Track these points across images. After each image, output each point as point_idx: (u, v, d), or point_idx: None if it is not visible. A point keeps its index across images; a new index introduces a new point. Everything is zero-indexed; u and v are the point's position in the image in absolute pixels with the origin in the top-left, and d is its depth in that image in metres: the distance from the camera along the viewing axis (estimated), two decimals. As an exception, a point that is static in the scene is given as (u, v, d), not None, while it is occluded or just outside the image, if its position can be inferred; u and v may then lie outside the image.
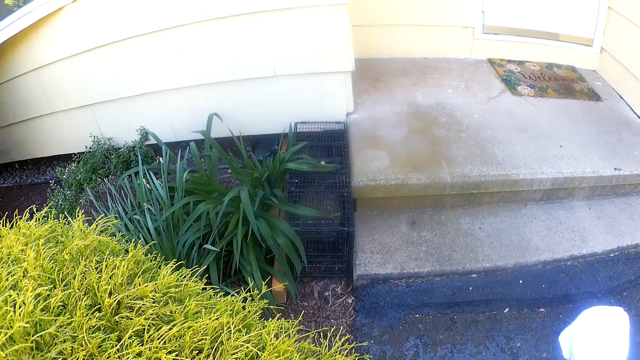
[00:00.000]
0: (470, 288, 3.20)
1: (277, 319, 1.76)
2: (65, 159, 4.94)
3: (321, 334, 2.92)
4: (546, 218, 3.55)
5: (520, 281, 3.20)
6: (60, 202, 4.06)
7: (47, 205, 4.00)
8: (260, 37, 3.79)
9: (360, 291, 3.27)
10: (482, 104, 4.26)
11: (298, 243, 3.17)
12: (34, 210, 2.04)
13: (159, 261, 2.01)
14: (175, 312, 1.59)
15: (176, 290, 1.75)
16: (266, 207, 3.51)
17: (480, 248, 3.35)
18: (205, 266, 3.10)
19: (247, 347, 1.50)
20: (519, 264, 3.26)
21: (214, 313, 1.63)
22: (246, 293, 1.93)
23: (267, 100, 4.17)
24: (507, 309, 3.06)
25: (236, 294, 1.93)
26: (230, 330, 1.55)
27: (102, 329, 1.47)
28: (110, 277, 1.62)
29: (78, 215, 1.97)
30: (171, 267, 1.82)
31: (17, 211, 2.10)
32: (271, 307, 2.98)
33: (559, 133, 3.88)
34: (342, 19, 3.64)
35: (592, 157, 3.64)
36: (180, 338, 1.48)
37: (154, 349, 1.40)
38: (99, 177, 4.16)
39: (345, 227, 3.23)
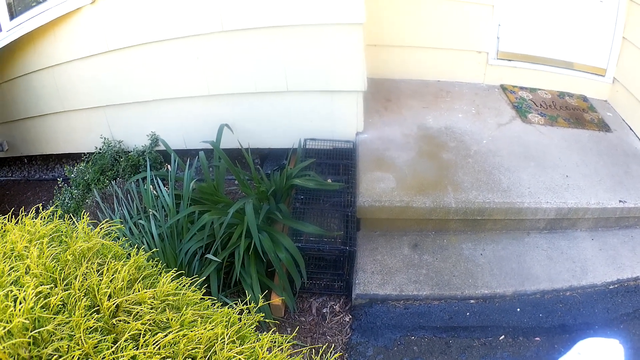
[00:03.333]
0: (468, 313, 3.20)
1: (272, 333, 1.76)
2: (75, 157, 4.99)
3: (313, 351, 2.92)
4: (548, 247, 3.55)
5: (518, 309, 3.20)
6: (66, 201, 4.09)
7: (53, 203, 4.06)
8: (275, 51, 3.83)
9: (358, 310, 3.28)
10: (491, 130, 4.28)
11: (299, 259, 3.19)
12: (40, 207, 2.07)
13: (160, 268, 2.03)
14: (171, 319, 1.60)
15: (174, 298, 1.76)
16: (270, 221, 3.52)
17: (480, 274, 3.36)
18: (206, 276, 3.12)
19: (239, 359, 1.51)
20: (518, 292, 3.26)
21: (210, 323, 1.64)
22: (243, 305, 1.94)
23: (278, 115, 4.20)
24: (502, 336, 3.05)
25: (234, 305, 1.95)
26: (224, 341, 1.56)
27: (99, 330, 1.49)
28: (110, 281, 1.63)
29: (83, 217, 1.99)
30: (171, 275, 1.84)
31: (23, 206, 2.13)
32: (267, 320, 2.99)
33: (566, 163, 3.89)
34: (357, 38, 3.68)
35: (598, 189, 3.64)
36: (174, 345, 1.50)
37: (148, 354, 1.41)
38: (107, 179, 4.19)
39: (347, 246, 3.25)
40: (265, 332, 1.74)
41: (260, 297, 2.59)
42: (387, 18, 4.71)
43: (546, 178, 3.73)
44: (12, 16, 4.14)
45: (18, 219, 1.87)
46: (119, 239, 2.15)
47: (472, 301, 3.26)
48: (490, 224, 3.67)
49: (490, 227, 3.69)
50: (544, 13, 4.59)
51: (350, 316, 3.29)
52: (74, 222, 2.04)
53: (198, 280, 2.95)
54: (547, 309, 3.20)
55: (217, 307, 1.92)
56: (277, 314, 3.27)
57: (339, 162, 4.00)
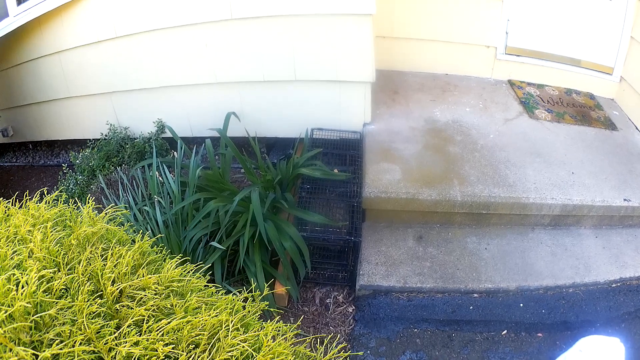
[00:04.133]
0: (471, 307, 3.19)
1: (277, 322, 1.76)
2: (80, 144, 4.99)
3: (318, 340, 2.93)
4: (552, 244, 3.54)
5: (521, 304, 3.19)
6: (71, 187, 4.11)
7: (57, 188, 4.07)
8: (284, 40, 3.82)
9: (361, 301, 3.28)
10: (498, 125, 4.26)
11: (304, 248, 3.19)
12: (45, 192, 2.07)
13: (164, 254, 2.03)
14: (176, 305, 1.59)
15: (179, 284, 1.76)
16: (276, 209, 3.52)
17: (484, 268, 3.35)
18: (210, 263, 3.12)
19: (243, 347, 1.51)
20: (521, 287, 3.25)
21: (214, 310, 1.64)
22: (247, 293, 1.94)
23: (286, 104, 4.20)
24: (505, 331, 3.05)
25: (238, 293, 1.94)
26: (229, 328, 1.55)
27: (102, 315, 1.48)
28: (115, 266, 1.62)
29: (88, 202, 1.97)
30: (176, 261, 1.83)
31: (27, 191, 2.12)
32: (271, 309, 3.00)
33: (572, 160, 3.87)
34: (366, 29, 3.66)
35: (603, 187, 3.63)
36: (178, 331, 1.49)
37: (152, 340, 1.40)
38: (112, 165, 4.19)
39: (352, 237, 3.24)
40: (269, 321, 1.74)
41: (266, 286, 2.60)
42: (397, 10, 4.68)
43: (552, 174, 3.72)
44: (20, 1, 4.13)
45: (22, 203, 1.87)
46: (123, 224, 2.14)
47: (475, 295, 3.26)
48: (495, 219, 3.66)
49: (495, 222, 3.68)
50: (552, 9, 4.56)
51: (354, 307, 3.29)
52: (78, 206, 2.03)
53: (203, 267, 2.96)
54: (549, 305, 3.19)
55: (222, 294, 1.91)
56: (281, 303, 3.27)
57: (345, 152, 4.00)
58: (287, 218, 3.48)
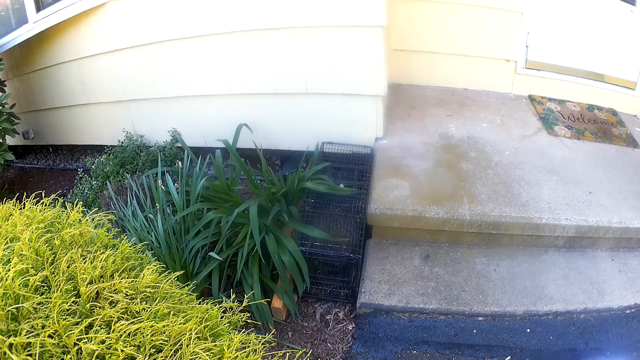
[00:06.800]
0: (475, 331, 3.08)
1: (248, 334, 1.74)
2: (100, 149, 5.06)
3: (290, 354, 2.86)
4: (565, 267, 3.40)
5: (528, 330, 3.06)
6: (86, 191, 4.18)
7: (74, 192, 4.14)
8: (294, 52, 3.80)
9: (361, 319, 3.20)
10: (515, 142, 4.15)
11: (302, 263, 3.14)
12: (42, 195, 2.12)
13: (149, 260, 2.05)
14: (142, 310, 1.61)
15: (152, 290, 1.75)
16: (280, 223, 3.47)
17: (492, 291, 3.23)
18: (207, 273, 3.10)
19: (207, 355, 1.49)
20: (529, 311, 3.12)
21: (182, 317, 1.64)
22: (233, 303, 1.95)
23: (297, 117, 4.17)
24: (509, 357, 2.91)
25: (232, 303, 1.97)
26: (191, 337, 1.54)
27: (78, 314, 1.52)
28: (93, 269, 1.66)
29: (76, 207, 2.02)
30: (154, 268, 1.84)
31: (43, 193, 2.17)
32: (258, 321, 2.96)
33: (590, 178, 3.73)
34: (377, 41, 3.60)
35: (621, 207, 3.48)
36: (143, 335, 1.50)
37: (113, 340, 1.43)
38: (126, 172, 4.23)
39: (352, 254, 3.17)
40: (267, 334, 1.71)
41: (262, 299, 2.57)
42: (416, 23, 4.59)
43: (567, 193, 3.58)
44: (39, 8, 4.22)
45: (22, 205, 1.97)
46: (109, 230, 2.15)
47: (480, 318, 3.14)
48: (506, 239, 3.54)
49: (506, 242, 3.56)
50: (573, 22, 4.42)
51: (354, 325, 3.21)
52: (83, 211, 2.09)
53: (199, 276, 2.94)
54: (558, 332, 3.05)
55: (207, 303, 1.92)
56: (279, 317, 3.22)
57: (355, 167, 3.94)
58: (292, 232, 3.43)
